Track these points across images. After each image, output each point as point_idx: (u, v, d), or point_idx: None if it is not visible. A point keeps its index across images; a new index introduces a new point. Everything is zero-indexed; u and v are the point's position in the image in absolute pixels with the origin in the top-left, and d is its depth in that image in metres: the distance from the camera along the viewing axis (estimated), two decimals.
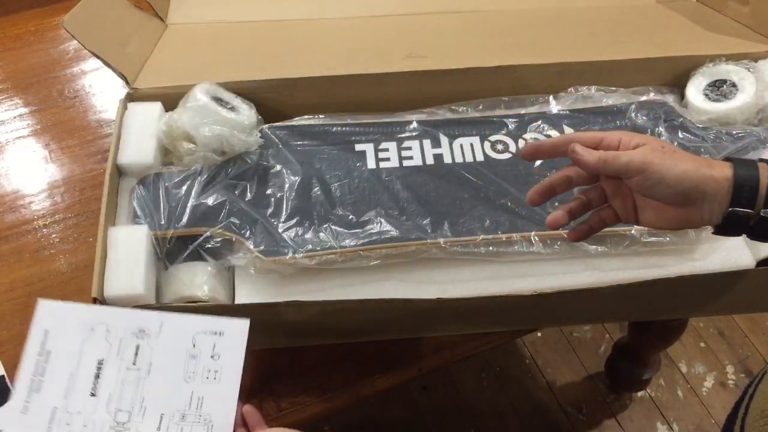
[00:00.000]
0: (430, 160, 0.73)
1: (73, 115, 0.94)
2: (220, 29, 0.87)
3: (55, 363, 0.53)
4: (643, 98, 0.79)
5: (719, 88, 0.77)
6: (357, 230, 0.67)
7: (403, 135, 0.75)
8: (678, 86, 0.82)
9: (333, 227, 0.67)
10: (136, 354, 0.54)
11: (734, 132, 0.75)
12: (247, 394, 0.66)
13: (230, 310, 0.64)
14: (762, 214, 0.47)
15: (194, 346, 0.55)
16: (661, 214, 0.50)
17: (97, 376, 0.53)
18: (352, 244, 0.66)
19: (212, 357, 0.55)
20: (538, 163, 0.73)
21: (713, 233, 0.52)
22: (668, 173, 0.47)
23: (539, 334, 1.44)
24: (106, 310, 0.57)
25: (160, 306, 0.61)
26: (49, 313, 0.55)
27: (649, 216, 0.51)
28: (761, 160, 0.49)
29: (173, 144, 0.71)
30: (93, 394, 0.53)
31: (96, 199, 0.83)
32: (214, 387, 0.54)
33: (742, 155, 0.72)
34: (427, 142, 0.74)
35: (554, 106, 0.79)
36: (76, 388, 0.52)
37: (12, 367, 0.68)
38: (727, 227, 0.49)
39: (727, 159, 0.49)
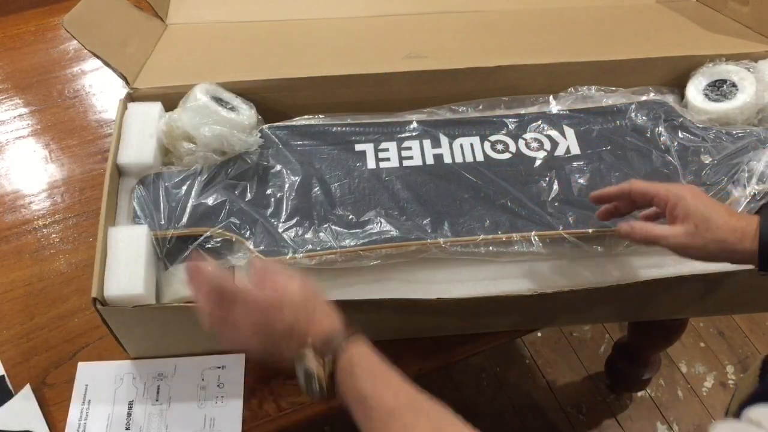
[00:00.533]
0: (430, 160, 0.73)
1: (73, 115, 0.94)
2: (220, 29, 0.87)
3: (95, 408, 0.65)
4: (643, 98, 0.79)
5: (719, 88, 0.77)
6: (357, 230, 0.67)
7: (403, 135, 0.75)
8: (678, 86, 0.82)
9: (333, 227, 0.67)
10: (158, 392, 0.66)
11: (734, 132, 0.75)
12: (247, 394, 0.67)
13: None
14: None
15: (203, 379, 0.67)
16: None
17: (129, 414, 0.65)
18: (352, 244, 0.66)
19: (218, 386, 0.67)
20: (538, 163, 0.73)
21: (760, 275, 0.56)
22: (700, 254, 0.55)
23: (539, 334, 1.44)
24: (131, 363, 0.68)
25: (165, 303, 0.61)
26: (86, 371, 0.68)
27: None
28: None
29: (173, 144, 0.71)
30: (127, 429, 0.64)
31: (96, 199, 0.83)
32: (222, 409, 0.66)
33: (742, 155, 0.72)
34: (427, 142, 0.74)
35: (554, 106, 0.79)
36: (114, 426, 0.64)
37: (12, 367, 0.68)
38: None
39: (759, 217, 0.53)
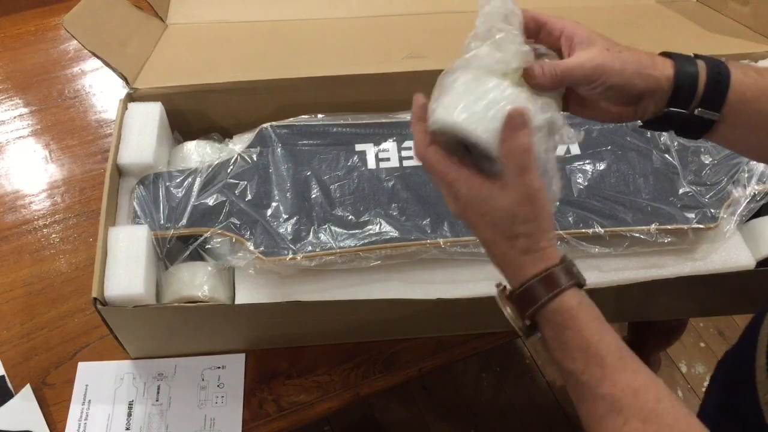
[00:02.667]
0: None
1: (73, 115, 0.94)
2: (220, 29, 0.87)
3: (95, 408, 0.65)
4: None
5: None
6: (357, 231, 0.67)
7: (403, 135, 0.75)
8: None
9: (333, 228, 0.67)
10: (158, 392, 0.66)
11: None
12: (247, 394, 0.67)
13: (230, 310, 0.64)
14: (695, 113, 0.48)
15: (203, 379, 0.67)
16: (596, 111, 0.50)
17: (129, 414, 0.65)
18: (351, 244, 0.66)
19: (218, 386, 0.67)
20: None
21: (640, 126, 0.51)
22: (618, 79, 0.46)
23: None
24: (131, 363, 0.68)
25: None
26: (86, 371, 0.68)
27: (582, 110, 0.51)
28: (697, 56, 0.49)
29: None
30: (128, 429, 0.64)
31: (96, 199, 0.83)
32: (222, 409, 0.66)
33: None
34: None
35: None
36: (114, 426, 0.64)
37: (12, 367, 0.68)
38: (657, 123, 0.50)
39: (667, 55, 0.49)
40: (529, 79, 0.46)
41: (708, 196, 0.70)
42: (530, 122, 0.44)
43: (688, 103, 0.47)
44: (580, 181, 0.71)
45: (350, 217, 0.68)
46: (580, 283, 0.44)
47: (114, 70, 0.72)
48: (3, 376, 0.67)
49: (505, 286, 0.47)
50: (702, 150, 0.73)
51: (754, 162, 0.71)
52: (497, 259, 0.46)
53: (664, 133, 0.75)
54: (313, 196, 0.69)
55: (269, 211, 0.68)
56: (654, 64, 0.47)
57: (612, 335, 0.43)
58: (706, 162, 0.73)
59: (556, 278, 0.43)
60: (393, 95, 0.78)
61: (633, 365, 0.41)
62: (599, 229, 0.67)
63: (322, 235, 0.66)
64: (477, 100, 0.44)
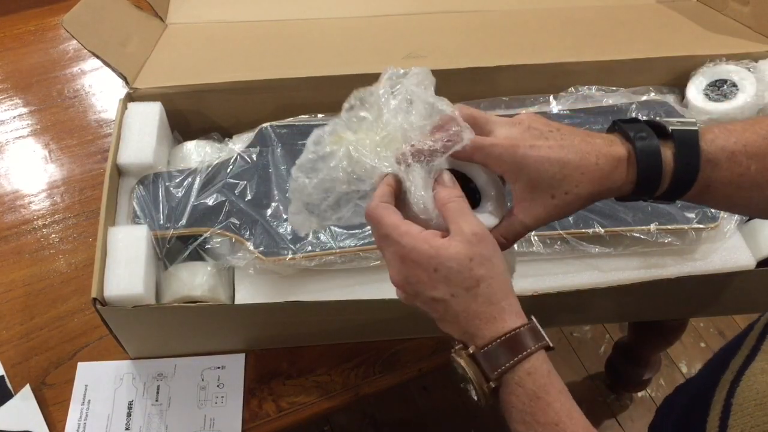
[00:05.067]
0: None
1: (72, 115, 0.94)
2: (220, 29, 0.87)
3: (95, 408, 0.65)
4: (644, 98, 0.79)
5: (720, 88, 0.77)
6: (356, 231, 0.67)
7: None
8: (678, 86, 0.82)
9: (332, 228, 0.67)
10: (158, 392, 0.66)
11: None
12: (247, 394, 0.67)
13: (230, 310, 0.64)
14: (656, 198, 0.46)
15: (203, 379, 0.67)
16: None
17: (129, 414, 0.65)
18: (351, 244, 0.65)
19: (218, 386, 0.67)
20: None
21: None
22: (563, 216, 0.44)
23: None
24: (131, 363, 0.68)
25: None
26: (86, 371, 0.68)
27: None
28: (659, 131, 0.44)
29: None
30: (127, 429, 0.64)
31: (96, 199, 0.83)
32: (222, 409, 0.66)
33: None
34: None
35: (554, 106, 0.79)
36: (114, 427, 0.64)
37: (12, 367, 0.68)
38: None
39: (625, 137, 0.44)
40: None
41: None
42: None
43: (650, 194, 0.46)
44: None
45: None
46: (548, 347, 0.41)
47: (114, 69, 0.72)
48: (2, 376, 0.67)
49: (464, 344, 0.42)
50: None
51: None
52: (459, 318, 0.42)
53: None
54: None
55: (269, 211, 0.68)
56: (616, 168, 0.44)
57: (578, 412, 0.40)
58: None
59: (526, 338, 0.40)
60: None
61: None
62: (599, 229, 0.67)
63: (322, 235, 0.66)
64: None
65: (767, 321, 0.44)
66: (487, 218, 0.45)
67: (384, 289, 0.66)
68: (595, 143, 0.45)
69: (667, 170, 0.44)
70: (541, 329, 0.41)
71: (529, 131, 0.44)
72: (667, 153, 0.44)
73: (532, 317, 0.42)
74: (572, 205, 0.44)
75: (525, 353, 0.39)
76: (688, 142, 0.44)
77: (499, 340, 0.40)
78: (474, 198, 0.46)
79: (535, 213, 0.44)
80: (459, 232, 0.41)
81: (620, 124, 0.46)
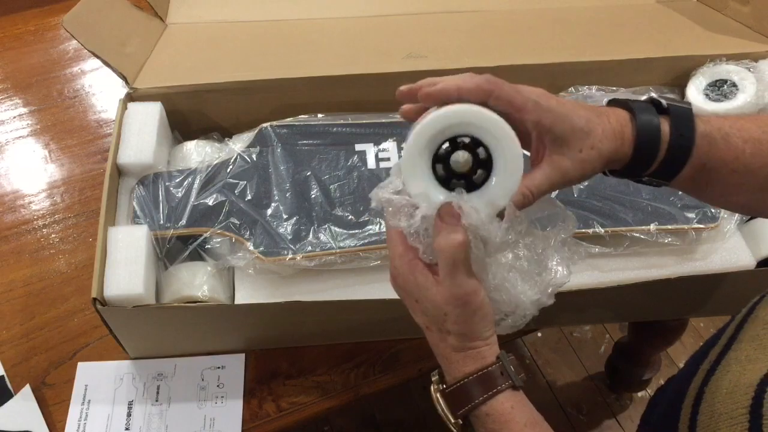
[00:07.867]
0: None
1: (72, 115, 0.94)
2: (220, 29, 0.87)
3: (95, 408, 0.65)
4: (644, 98, 0.79)
5: (720, 88, 0.77)
6: (356, 231, 0.67)
7: (403, 135, 0.75)
8: (678, 86, 0.82)
9: (333, 228, 0.67)
10: (158, 392, 0.66)
11: None
12: (247, 394, 0.67)
13: (230, 310, 0.64)
14: (644, 180, 0.46)
15: (203, 379, 0.67)
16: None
17: (129, 414, 0.65)
18: (351, 244, 0.66)
19: (218, 386, 0.67)
20: None
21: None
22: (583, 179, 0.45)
23: (539, 334, 1.44)
24: (131, 363, 0.68)
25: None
26: (86, 371, 0.68)
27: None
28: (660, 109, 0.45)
29: None
30: (127, 429, 0.64)
31: (96, 199, 0.83)
32: (222, 409, 0.66)
33: None
34: None
35: None
36: (114, 427, 0.64)
37: (12, 367, 0.68)
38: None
39: (625, 108, 0.45)
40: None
41: None
42: (466, 221, 0.41)
43: (646, 165, 0.46)
44: None
45: (350, 217, 0.68)
46: (515, 385, 0.42)
47: (114, 69, 0.72)
48: (2, 376, 0.67)
49: (441, 376, 0.45)
50: None
51: None
52: (431, 345, 0.44)
53: None
54: (313, 196, 0.69)
55: (269, 211, 0.68)
56: (623, 143, 0.45)
57: None
58: None
59: (490, 379, 0.42)
60: (393, 95, 0.77)
61: None
62: (599, 229, 0.67)
63: (322, 235, 0.66)
64: None
65: (746, 312, 0.45)
66: (488, 205, 0.43)
67: (384, 289, 0.66)
68: (603, 107, 0.46)
69: (664, 139, 0.45)
70: (510, 367, 0.43)
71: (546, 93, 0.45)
72: (664, 125, 0.45)
73: (502, 353, 0.43)
74: (594, 164, 0.44)
75: (487, 395, 0.42)
76: (682, 116, 0.45)
77: (461, 382, 0.43)
78: (486, 167, 0.44)
79: (564, 167, 0.44)
80: (445, 284, 0.42)
81: (618, 99, 0.48)
